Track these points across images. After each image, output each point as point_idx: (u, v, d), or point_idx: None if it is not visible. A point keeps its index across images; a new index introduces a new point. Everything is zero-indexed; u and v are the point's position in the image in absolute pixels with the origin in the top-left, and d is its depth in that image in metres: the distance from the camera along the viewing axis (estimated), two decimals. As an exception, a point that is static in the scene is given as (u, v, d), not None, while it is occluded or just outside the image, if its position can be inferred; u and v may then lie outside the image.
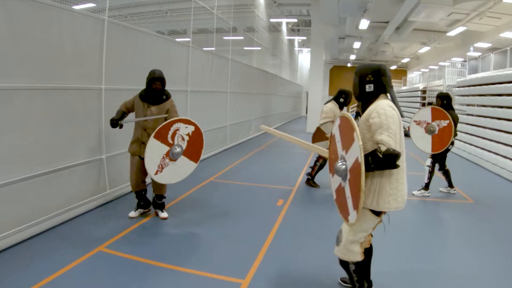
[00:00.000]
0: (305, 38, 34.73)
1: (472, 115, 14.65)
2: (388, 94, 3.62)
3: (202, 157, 6.11)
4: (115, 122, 6.06)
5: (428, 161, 8.61)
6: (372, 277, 4.09)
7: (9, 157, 5.16)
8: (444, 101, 8.42)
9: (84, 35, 6.46)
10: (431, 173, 8.57)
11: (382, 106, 3.40)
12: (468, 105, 15.59)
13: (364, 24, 20.37)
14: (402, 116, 3.54)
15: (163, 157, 5.64)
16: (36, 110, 5.57)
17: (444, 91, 8.58)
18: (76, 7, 6.31)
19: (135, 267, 4.69)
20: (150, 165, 5.55)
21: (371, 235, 3.88)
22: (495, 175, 11.56)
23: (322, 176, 9.10)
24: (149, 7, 15.50)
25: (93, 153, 6.93)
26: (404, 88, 34.75)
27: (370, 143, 3.39)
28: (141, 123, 6.17)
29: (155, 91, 6.10)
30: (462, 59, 22.51)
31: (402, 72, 45.78)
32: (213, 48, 12.91)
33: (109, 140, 7.26)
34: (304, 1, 24.24)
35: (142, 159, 6.08)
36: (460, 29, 21.03)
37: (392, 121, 3.29)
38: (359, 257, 3.67)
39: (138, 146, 6.20)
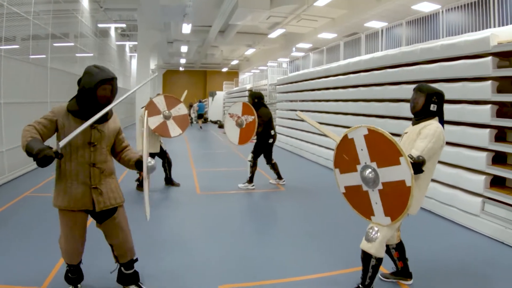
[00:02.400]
0: (136, 43, 34.38)
1: (295, 110, 15.64)
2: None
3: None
4: (56, 153, 3.19)
5: (249, 156, 9.08)
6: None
7: None
8: (255, 99, 9.00)
9: None
10: (252, 167, 9.10)
11: (438, 125, 4.01)
12: (291, 101, 16.68)
13: (186, 28, 20.71)
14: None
15: None
16: None
17: (257, 91, 9.23)
18: None
19: None
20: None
21: (399, 231, 4.36)
22: (313, 163, 12.81)
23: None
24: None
25: None
26: (235, 88, 35.91)
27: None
28: (84, 156, 3.67)
29: (104, 100, 3.64)
30: (288, 59, 23.82)
31: (234, 74, 47.32)
32: (32, 56, 12.28)
33: None
34: (130, 6, 23.91)
35: (89, 213, 3.83)
36: (280, 31, 22.35)
37: (437, 139, 3.89)
38: (381, 254, 3.88)
39: (87, 194, 3.71)
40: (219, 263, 5.02)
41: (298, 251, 5.48)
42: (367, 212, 3.89)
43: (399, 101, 8.54)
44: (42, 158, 3.07)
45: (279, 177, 9.58)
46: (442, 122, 4.15)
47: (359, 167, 3.81)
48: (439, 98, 4.12)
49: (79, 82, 3.66)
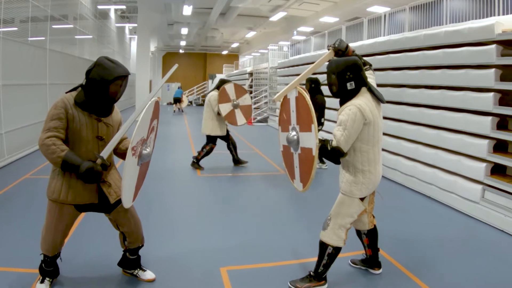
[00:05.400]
0: (135, 25, 34.16)
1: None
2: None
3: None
4: (103, 165, 3.39)
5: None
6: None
7: None
8: (312, 85, 9.08)
9: None
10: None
11: (355, 104, 3.56)
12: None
13: (187, 10, 20.54)
14: (382, 101, 3.77)
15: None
16: None
17: (314, 77, 9.17)
18: None
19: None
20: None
21: (374, 217, 4.18)
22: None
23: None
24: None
25: None
26: (235, 71, 35.78)
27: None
28: (93, 150, 3.54)
29: (114, 95, 3.55)
30: (289, 43, 23.69)
31: (234, 57, 47.07)
32: (31, 38, 12.19)
33: None
34: (130, -13, 23.79)
35: (92, 207, 3.74)
36: (281, 14, 22.13)
37: (352, 123, 3.49)
38: (342, 243, 3.80)
39: (94, 187, 3.63)
40: (221, 246, 5.05)
41: (301, 234, 5.52)
42: (292, 174, 3.90)
43: (401, 87, 8.50)
44: (94, 174, 3.24)
45: (322, 161, 9.72)
46: (371, 89, 3.72)
47: (290, 128, 3.82)
48: (353, 71, 3.64)
49: (88, 72, 3.50)
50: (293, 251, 4.90)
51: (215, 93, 9.00)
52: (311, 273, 3.95)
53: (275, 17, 23.11)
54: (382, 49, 9.29)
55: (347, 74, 3.62)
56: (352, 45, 11.21)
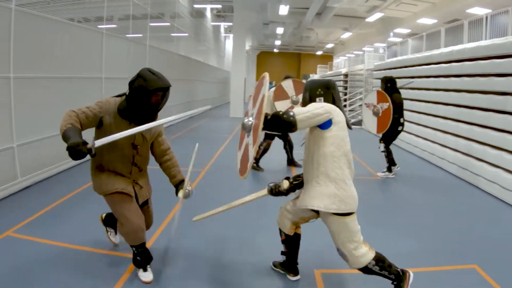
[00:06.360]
0: (231, 24, 34.71)
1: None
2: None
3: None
4: (89, 150, 3.23)
5: (381, 146, 8.83)
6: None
7: None
8: (388, 84, 8.70)
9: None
10: (388, 156, 8.87)
11: (326, 103, 3.63)
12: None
13: (283, 10, 20.53)
14: (350, 128, 3.70)
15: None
16: None
17: (389, 75, 8.85)
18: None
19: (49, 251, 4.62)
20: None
21: (299, 226, 4.09)
22: (408, 153, 12.13)
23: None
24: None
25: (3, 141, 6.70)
26: (329, 72, 35.46)
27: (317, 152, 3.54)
28: (128, 156, 3.88)
29: (155, 106, 3.73)
30: (384, 44, 23.16)
31: (328, 57, 46.67)
32: (131, 35, 12.67)
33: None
34: (227, -13, 24.18)
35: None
36: (378, 15, 21.63)
37: (318, 112, 3.42)
38: (371, 254, 3.59)
39: (130, 184, 3.96)
40: (315, 247, 4.90)
41: (404, 242, 5.29)
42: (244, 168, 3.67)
43: (505, 94, 7.93)
44: (75, 152, 3.14)
45: (393, 163, 8.98)
46: (342, 110, 3.70)
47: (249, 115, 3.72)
48: (324, 88, 3.78)
49: (131, 83, 3.66)
50: (393, 258, 4.63)
51: (272, 90, 8.76)
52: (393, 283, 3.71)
53: (372, 18, 22.63)
54: (486, 54, 8.72)
55: (318, 90, 3.78)
56: (453, 48, 10.76)
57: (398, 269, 3.66)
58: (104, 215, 4.72)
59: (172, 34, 18.76)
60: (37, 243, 4.82)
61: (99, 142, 3.35)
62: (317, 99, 3.72)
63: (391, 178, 8.79)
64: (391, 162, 8.91)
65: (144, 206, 4.17)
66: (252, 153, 3.36)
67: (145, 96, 3.58)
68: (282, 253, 4.19)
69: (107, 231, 4.71)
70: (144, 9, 13.91)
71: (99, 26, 10.27)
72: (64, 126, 3.35)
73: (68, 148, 3.14)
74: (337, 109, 3.61)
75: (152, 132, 3.98)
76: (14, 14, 6.65)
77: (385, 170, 8.93)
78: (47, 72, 7.62)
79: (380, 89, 8.60)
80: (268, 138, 9.02)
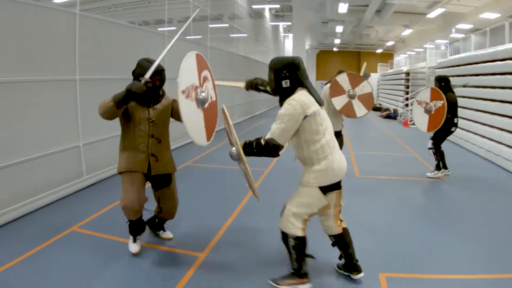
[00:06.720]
0: (289, 23, 34.73)
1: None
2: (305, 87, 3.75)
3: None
4: (146, 82, 4.09)
5: (429, 143, 8.74)
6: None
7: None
8: (442, 83, 8.56)
9: (56, 30, 6.57)
10: (436, 154, 8.72)
11: (293, 98, 3.63)
12: (453, 85, 15.70)
13: (343, 8, 20.42)
14: (320, 104, 3.73)
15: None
16: (12, 102, 5.78)
17: (443, 74, 8.71)
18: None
19: (110, 246, 4.87)
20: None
21: (342, 220, 4.04)
22: (472, 154, 11.75)
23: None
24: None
25: (71, 141, 7.07)
26: (390, 71, 34.82)
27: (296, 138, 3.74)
28: (145, 130, 4.45)
29: (155, 89, 4.42)
30: (446, 41, 22.60)
31: (388, 55, 45.89)
32: (192, 37, 12.95)
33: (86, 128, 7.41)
34: (285, -13, 24.24)
35: (146, 175, 4.55)
36: (439, 11, 21.14)
37: (290, 117, 3.54)
38: (299, 232, 3.70)
39: (145, 159, 4.49)
40: (380, 250, 4.90)
41: (468, 247, 5.10)
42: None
43: None
44: (135, 84, 3.93)
45: (444, 166, 8.80)
46: (309, 90, 3.73)
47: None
48: (289, 70, 3.70)
49: (133, 72, 4.37)
50: (456, 264, 4.56)
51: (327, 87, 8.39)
52: (291, 271, 3.85)
53: (433, 14, 22.13)
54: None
55: (283, 72, 3.71)
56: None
57: (306, 269, 3.83)
58: (147, 220, 5.06)
59: (232, 35, 18.99)
60: (100, 238, 5.09)
61: (148, 74, 4.03)
62: (283, 82, 3.71)
63: (455, 180, 8.50)
64: (443, 164, 8.76)
65: (164, 187, 4.68)
66: (250, 176, 3.57)
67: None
68: (340, 257, 4.18)
69: (155, 234, 5.16)
70: (204, 10, 14.18)
71: (159, 29, 10.53)
72: (109, 103, 3.98)
73: (128, 90, 3.88)
74: (306, 96, 3.64)
75: (164, 105, 4.59)
76: (78, 18, 7.01)
77: (434, 170, 8.77)
78: (110, 74, 7.93)
79: (434, 87, 8.48)
80: None
